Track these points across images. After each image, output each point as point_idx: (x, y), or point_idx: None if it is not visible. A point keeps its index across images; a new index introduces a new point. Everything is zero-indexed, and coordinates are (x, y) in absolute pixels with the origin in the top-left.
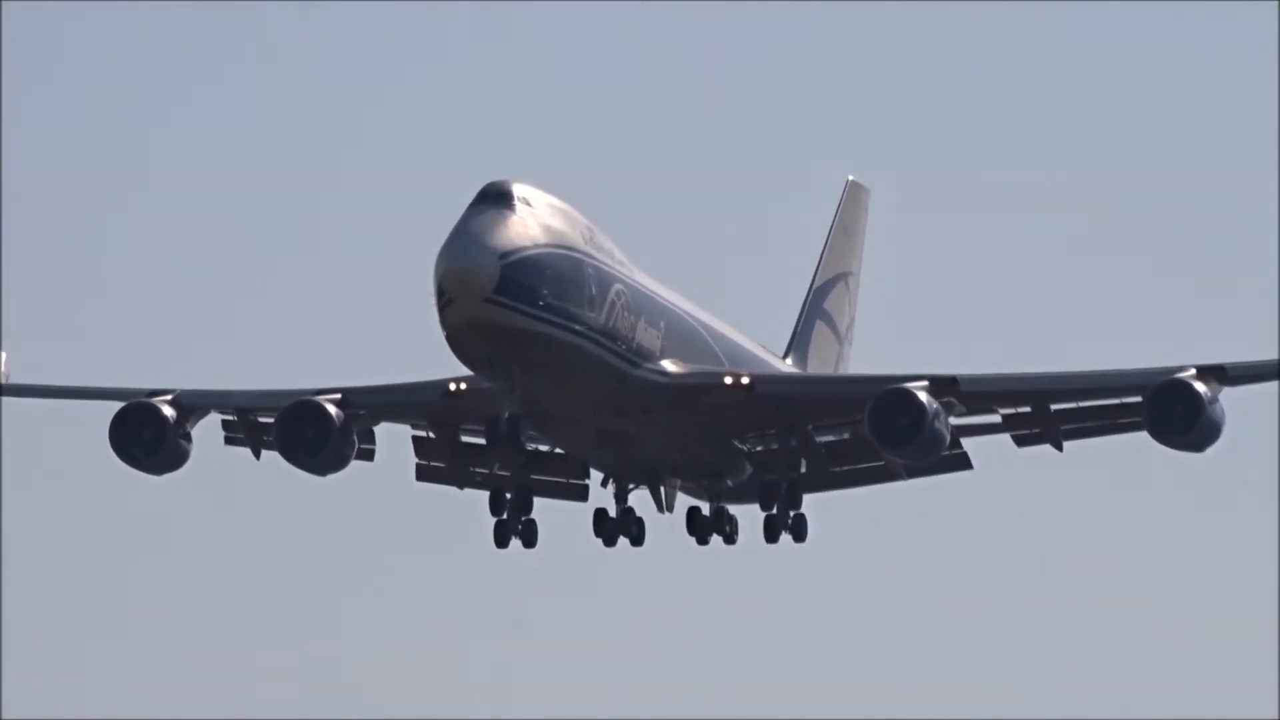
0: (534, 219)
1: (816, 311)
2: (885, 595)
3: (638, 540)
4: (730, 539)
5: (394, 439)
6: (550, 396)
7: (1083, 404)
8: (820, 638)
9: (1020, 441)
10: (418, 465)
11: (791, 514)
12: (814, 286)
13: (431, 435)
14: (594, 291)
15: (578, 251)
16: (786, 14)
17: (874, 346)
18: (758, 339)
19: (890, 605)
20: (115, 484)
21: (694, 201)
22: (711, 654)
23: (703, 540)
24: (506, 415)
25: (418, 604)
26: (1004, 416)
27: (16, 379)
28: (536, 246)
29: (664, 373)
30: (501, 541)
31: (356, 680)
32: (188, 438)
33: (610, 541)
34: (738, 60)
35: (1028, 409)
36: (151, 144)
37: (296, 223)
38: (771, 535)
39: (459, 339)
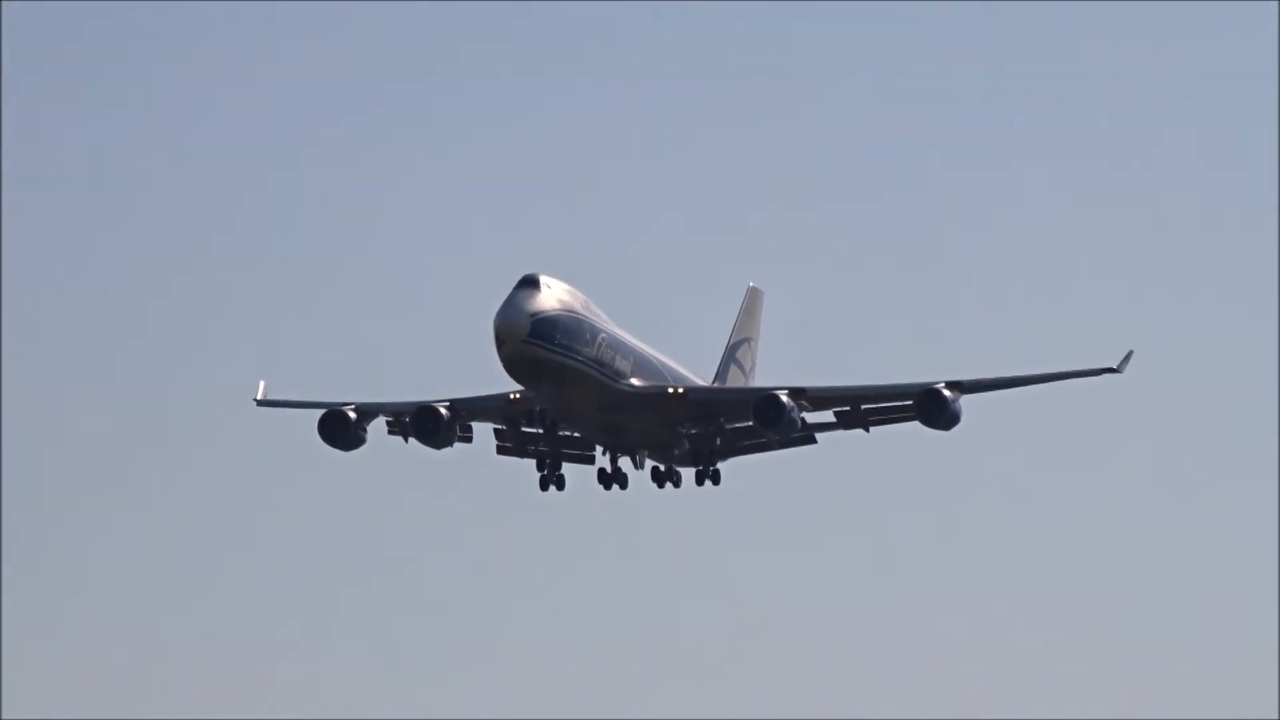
0: (552, 295)
1: (730, 359)
2: (777, 518)
3: (623, 486)
4: (676, 485)
5: (485, 430)
6: (568, 399)
7: (882, 404)
8: (729, 543)
9: (844, 427)
10: (497, 445)
11: (711, 469)
12: (729, 345)
13: (503, 428)
14: (589, 337)
15: (579, 313)
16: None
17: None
18: (696, 372)
19: (780, 526)
20: (321, 458)
21: (658, 289)
22: (664, 548)
23: (660, 485)
24: (538, 409)
25: (494, 520)
26: (835, 413)
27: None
28: (554, 310)
29: (632, 386)
30: (544, 487)
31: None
32: (364, 429)
33: (607, 487)
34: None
35: (848, 407)
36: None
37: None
38: (700, 482)
39: (510, 366)
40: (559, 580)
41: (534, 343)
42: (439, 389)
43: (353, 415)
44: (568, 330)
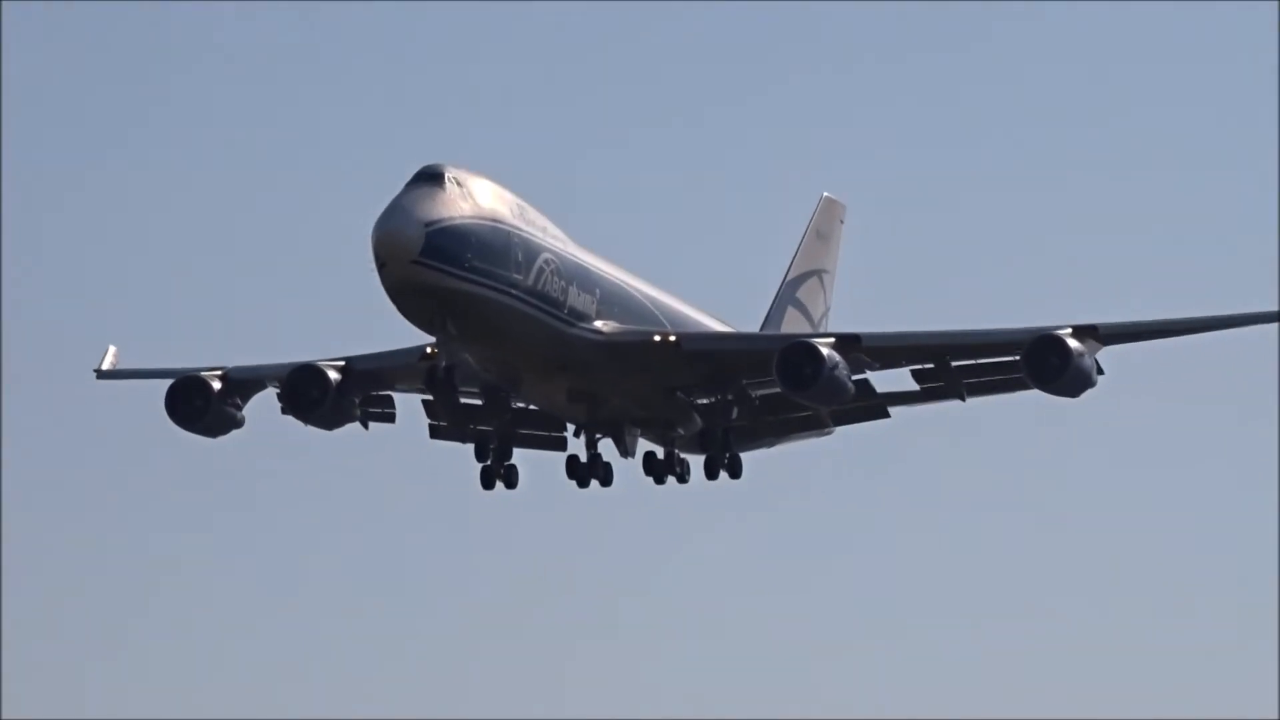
0: (462, 195)
1: (789, 300)
2: (814, 523)
3: (606, 481)
4: (683, 479)
5: (414, 406)
6: (496, 350)
7: (980, 360)
8: (747, 562)
9: (929, 395)
10: (430, 425)
11: (727, 456)
12: (786, 279)
13: (431, 398)
14: (520, 258)
15: (505, 224)
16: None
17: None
18: (734, 319)
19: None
20: (173, 444)
21: (684, 203)
22: (660, 567)
23: (660, 480)
24: (443, 365)
25: (414, 532)
26: (912, 372)
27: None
28: (462, 218)
29: (598, 332)
30: (488, 483)
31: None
32: (237, 406)
33: (583, 483)
34: (732, 74)
35: (931, 365)
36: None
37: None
38: (711, 473)
39: (397, 298)
40: (503, 615)
41: (429, 265)
42: (346, 348)
43: (217, 385)
44: (485, 247)
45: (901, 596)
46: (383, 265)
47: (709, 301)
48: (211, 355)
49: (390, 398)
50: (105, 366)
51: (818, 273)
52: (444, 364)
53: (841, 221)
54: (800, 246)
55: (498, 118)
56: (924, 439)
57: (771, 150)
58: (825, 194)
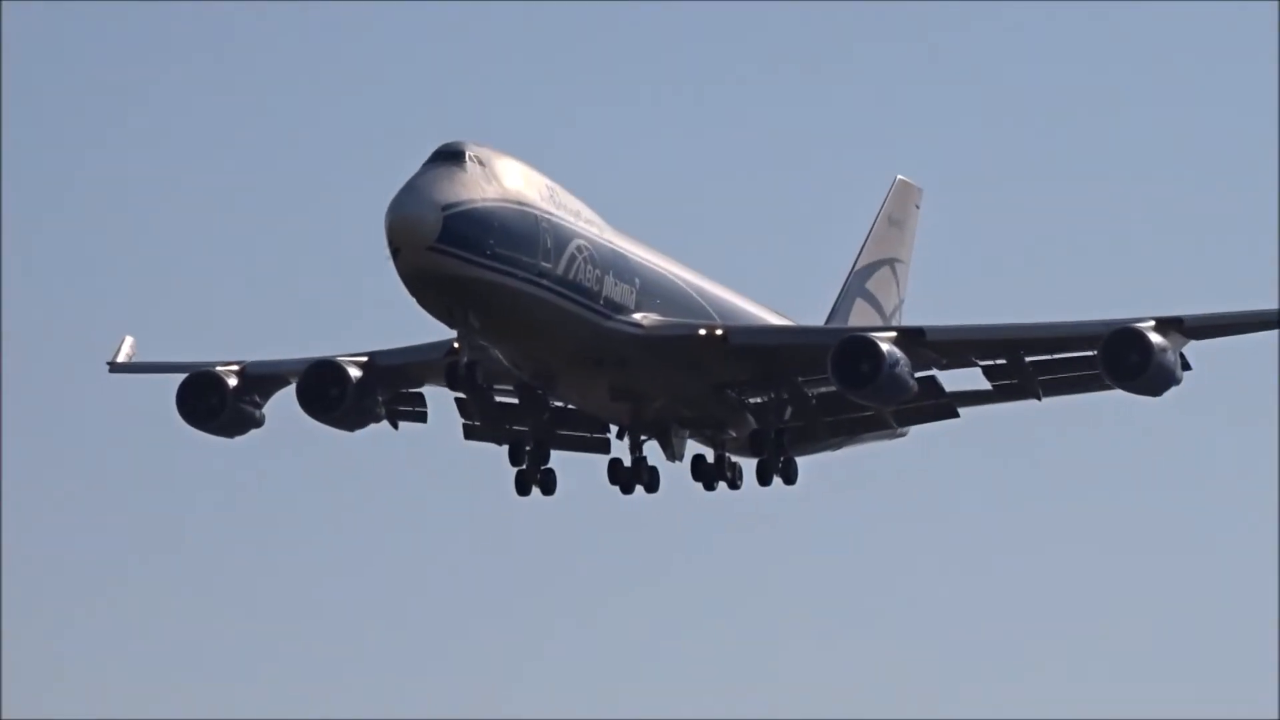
0: (484, 176)
1: (857, 290)
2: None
3: (651, 487)
4: (734, 484)
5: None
6: (524, 345)
7: (1056, 355)
8: (807, 577)
9: (1002, 394)
10: (464, 425)
11: (781, 459)
12: (855, 269)
13: (464, 397)
14: (550, 245)
15: (532, 208)
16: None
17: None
18: (795, 316)
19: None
20: (186, 446)
21: (743, 187)
22: (712, 585)
23: (710, 486)
24: (464, 361)
25: (443, 542)
26: (984, 369)
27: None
28: (485, 200)
29: (637, 325)
30: (523, 489)
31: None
32: (256, 404)
33: (627, 489)
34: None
35: (1003, 360)
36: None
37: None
38: (764, 479)
39: (413, 287)
40: (538, 629)
41: (447, 251)
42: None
43: (233, 381)
44: (510, 232)
45: (957, 610)
46: (396, 251)
47: (769, 293)
48: (233, 349)
49: (421, 395)
50: (120, 359)
51: (890, 261)
52: (465, 360)
53: (917, 207)
54: (871, 233)
55: (534, 103)
56: (992, 442)
57: (840, 131)
58: (899, 177)
